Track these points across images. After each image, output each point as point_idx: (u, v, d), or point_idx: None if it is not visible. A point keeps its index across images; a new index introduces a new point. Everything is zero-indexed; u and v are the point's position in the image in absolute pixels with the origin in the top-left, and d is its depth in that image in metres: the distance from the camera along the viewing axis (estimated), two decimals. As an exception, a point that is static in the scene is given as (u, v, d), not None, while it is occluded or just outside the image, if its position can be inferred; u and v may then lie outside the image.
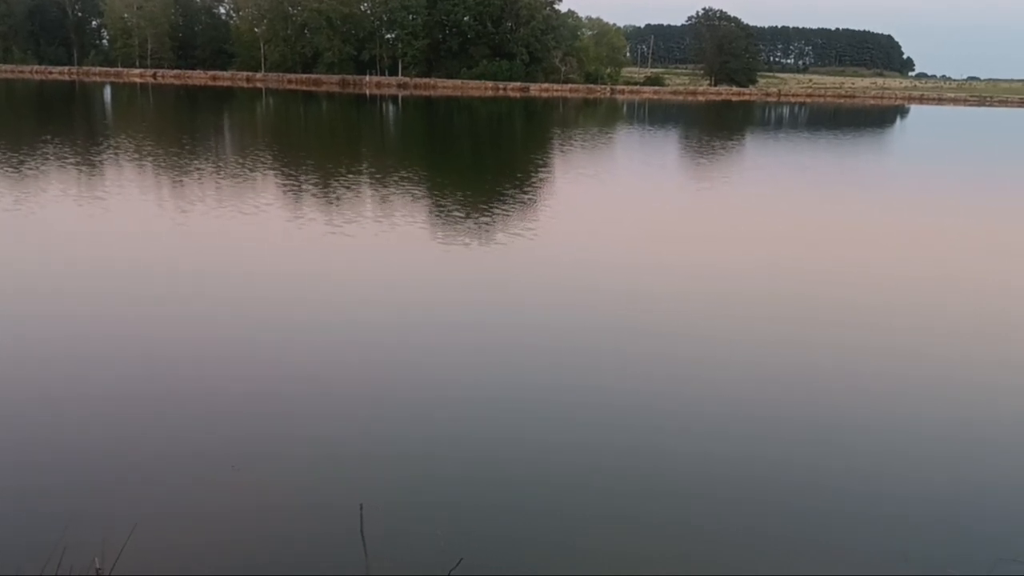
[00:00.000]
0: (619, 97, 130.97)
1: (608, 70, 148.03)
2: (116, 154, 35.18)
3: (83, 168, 30.34)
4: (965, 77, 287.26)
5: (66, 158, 32.63)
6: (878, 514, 8.56)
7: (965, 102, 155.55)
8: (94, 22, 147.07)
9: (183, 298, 15.01)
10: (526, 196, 28.50)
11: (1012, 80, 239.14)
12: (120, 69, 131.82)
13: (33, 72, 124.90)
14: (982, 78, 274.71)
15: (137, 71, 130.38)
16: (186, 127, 54.96)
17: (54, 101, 77.17)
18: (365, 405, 10.80)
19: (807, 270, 19.64)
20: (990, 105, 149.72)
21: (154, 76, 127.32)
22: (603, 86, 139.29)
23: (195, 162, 33.24)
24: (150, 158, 34.54)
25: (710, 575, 7.50)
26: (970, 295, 18.17)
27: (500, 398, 11.15)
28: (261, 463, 9.09)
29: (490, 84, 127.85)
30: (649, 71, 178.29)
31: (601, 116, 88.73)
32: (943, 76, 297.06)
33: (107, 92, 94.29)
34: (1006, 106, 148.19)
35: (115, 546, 6.53)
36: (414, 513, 8.23)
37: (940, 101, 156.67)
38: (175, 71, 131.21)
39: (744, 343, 13.88)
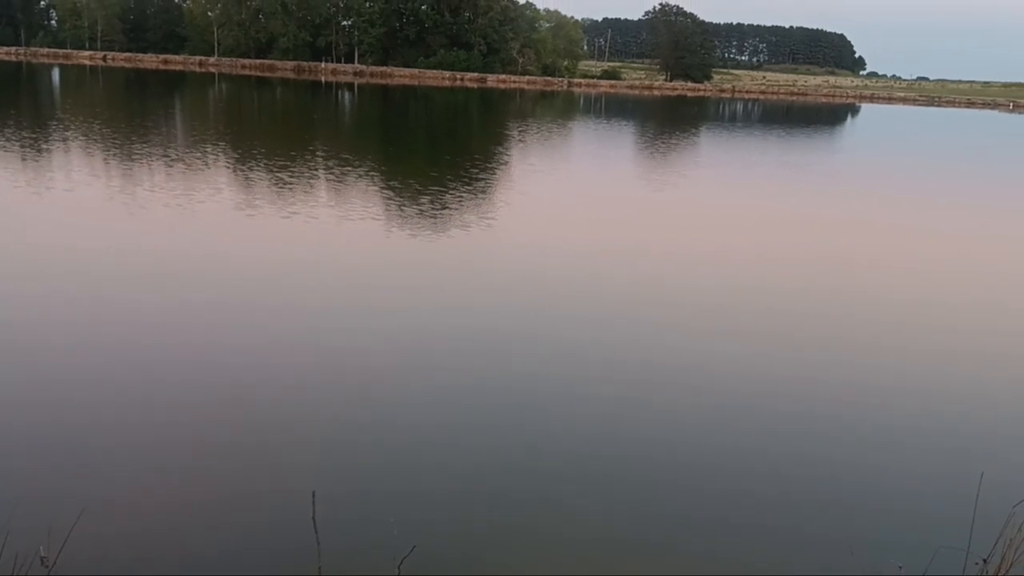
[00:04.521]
0: (576, 90, 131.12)
1: (565, 63, 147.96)
2: (65, 139, 34.36)
3: (31, 153, 29.63)
4: (915, 77, 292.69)
5: (17, 142, 31.88)
6: (825, 505, 8.71)
7: (915, 101, 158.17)
8: (42, 2, 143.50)
9: (134, 284, 14.76)
10: (485, 186, 28.43)
11: (960, 81, 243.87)
12: (69, 51, 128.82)
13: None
14: (931, 78, 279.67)
15: (87, 53, 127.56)
16: (136, 112, 53.90)
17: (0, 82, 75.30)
18: (318, 392, 10.71)
19: (784, 259, 20.00)
20: (938, 105, 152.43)
21: (104, 59, 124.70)
22: (560, 79, 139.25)
23: (145, 148, 32.65)
24: (100, 144, 33.85)
25: (669, 560, 7.57)
26: (950, 288, 18.62)
27: (453, 386, 11.13)
28: (212, 450, 8.98)
29: (447, 74, 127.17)
30: (606, 65, 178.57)
31: (559, 108, 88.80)
32: (893, 76, 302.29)
33: (55, 74, 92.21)
34: (954, 106, 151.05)
35: (61, 532, 6.40)
36: (367, 501, 8.20)
37: (890, 100, 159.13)
38: (126, 54, 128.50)
39: (717, 332, 14.04)
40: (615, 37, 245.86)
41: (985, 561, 7.16)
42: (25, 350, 11.50)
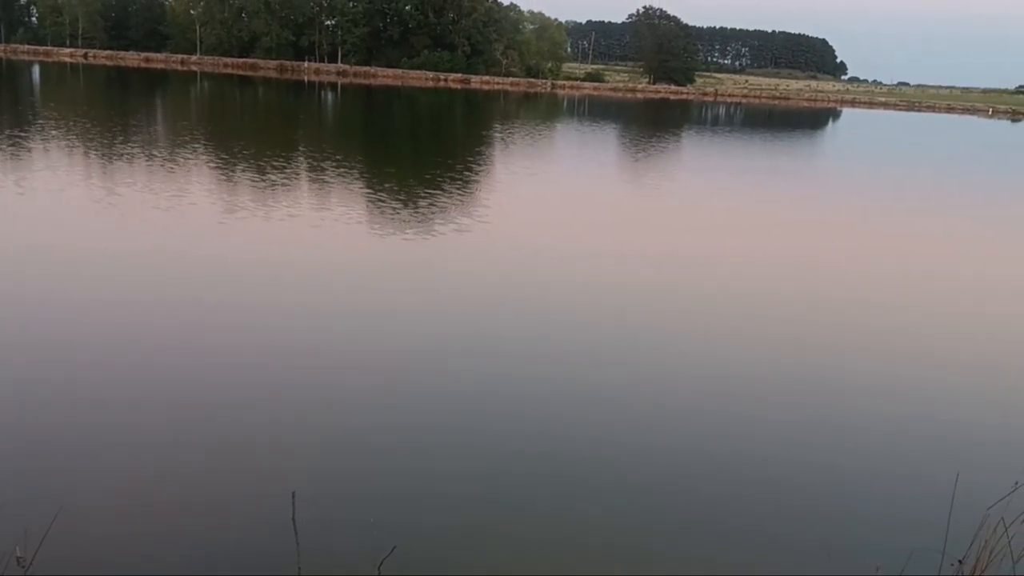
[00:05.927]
0: (560, 92, 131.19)
1: (549, 65, 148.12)
2: (49, 139, 34.02)
3: (14, 151, 29.38)
4: (895, 82, 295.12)
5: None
6: (801, 507, 8.77)
7: (895, 106, 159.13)
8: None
9: (110, 282, 14.68)
10: (478, 188, 28.41)
11: (939, 87, 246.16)
12: (50, 48, 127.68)
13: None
14: (912, 84, 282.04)
15: (67, 50, 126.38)
16: (119, 111, 53.51)
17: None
18: (301, 393, 10.68)
19: (771, 264, 20.12)
20: (918, 110, 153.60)
21: (85, 56, 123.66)
22: (544, 80, 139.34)
23: (131, 148, 32.47)
24: (85, 143, 33.60)
25: (646, 561, 7.60)
26: (927, 292, 18.77)
27: (441, 388, 11.12)
28: (191, 451, 8.94)
29: (431, 75, 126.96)
30: (589, 67, 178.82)
31: (543, 110, 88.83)
32: (874, 81, 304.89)
33: (36, 71, 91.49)
34: (933, 111, 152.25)
35: (38, 533, 6.36)
36: (347, 501, 8.19)
37: (871, 105, 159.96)
38: (107, 52, 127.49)
39: (707, 335, 14.11)
40: (598, 40, 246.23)
41: (960, 562, 7.23)
42: (2, 350, 11.41)
